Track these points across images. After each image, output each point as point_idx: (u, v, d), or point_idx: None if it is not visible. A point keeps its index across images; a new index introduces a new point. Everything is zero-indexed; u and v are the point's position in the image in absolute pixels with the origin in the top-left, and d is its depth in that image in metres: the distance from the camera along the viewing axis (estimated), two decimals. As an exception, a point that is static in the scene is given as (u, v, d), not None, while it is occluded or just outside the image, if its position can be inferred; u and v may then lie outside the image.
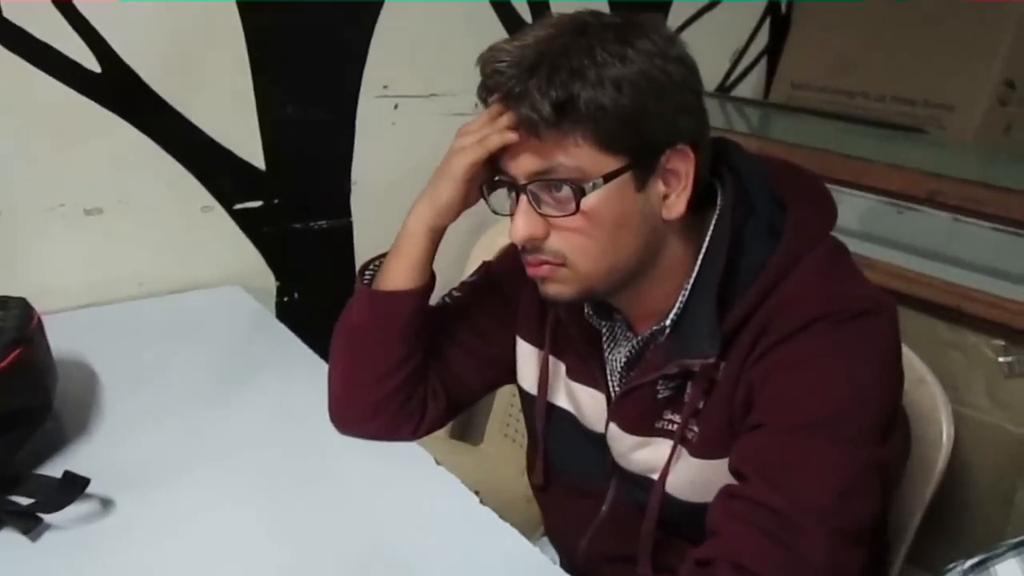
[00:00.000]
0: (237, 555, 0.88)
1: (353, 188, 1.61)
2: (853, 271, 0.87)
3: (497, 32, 1.63)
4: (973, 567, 0.67)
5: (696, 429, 0.88)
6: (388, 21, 1.56)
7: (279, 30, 1.45)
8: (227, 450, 1.05)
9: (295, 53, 1.49)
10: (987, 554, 0.67)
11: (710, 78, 2.14)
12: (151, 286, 1.47)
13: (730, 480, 0.81)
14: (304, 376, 1.18)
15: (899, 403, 0.87)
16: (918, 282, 1.27)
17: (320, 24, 1.49)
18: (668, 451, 0.90)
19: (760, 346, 0.82)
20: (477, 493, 1.23)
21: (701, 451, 0.87)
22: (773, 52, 2.19)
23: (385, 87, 1.60)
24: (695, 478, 0.87)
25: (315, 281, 1.62)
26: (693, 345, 0.85)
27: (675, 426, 0.89)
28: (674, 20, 1.99)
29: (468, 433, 1.82)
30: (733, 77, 2.17)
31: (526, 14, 1.71)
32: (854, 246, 1.38)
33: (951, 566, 0.69)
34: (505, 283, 1.04)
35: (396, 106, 1.62)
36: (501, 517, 0.96)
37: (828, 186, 0.97)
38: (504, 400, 1.70)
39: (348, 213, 1.62)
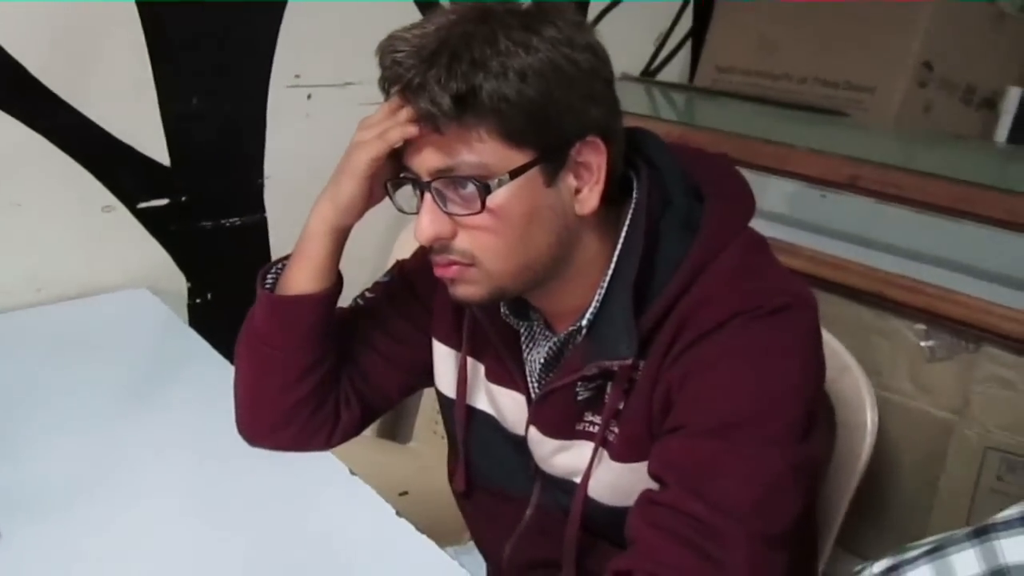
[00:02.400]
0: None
1: (266, 183, 1.55)
2: (772, 264, 0.85)
3: (413, 16, 1.58)
4: (885, 572, 0.65)
5: (617, 431, 0.85)
6: (298, 6, 1.49)
7: (180, 17, 1.37)
8: (133, 469, 0.99)
9: (198, 42, 1.41)
10: (898, 558, 0.65)
11: (635, 62, 2.12)
12: (50, 292, 1.38)
13: (651, 484, 0.78)
14: (216, 385, 1.10)
15: (821, 396, 0.85)
16: (841, 268, 1.26)
17: (225, 10, 1.41)
18: (589, 454, 0.87)
19: (678, 345, 0.79)
20: (406, 493, 1.19)
21: (622, 454, 0.84)
22: (697, 35, 2.18)
23: (297, 76, 1.53)
24: (616, 482, 0.85)
25: (228, 282, 1.55)
26: (610, 346, 0.82)
27: (596, 428, 0.87)
28: (597, 4, 1.96)
29: (396, 432, 1.78)
30: (658, 61, 2.15)
31: (444, -2, 1.66)
32: (779, 232, 1.38)
33: (859, 568, 0.67)
34: (419, 283, 1.00)
35: (309, 96, 1.55)
36: (429, 516, 0.93)
37: (752, 172, 0.95)
38: (432, 397, 1.65)
39: (262, 209, 1.56)
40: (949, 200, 1.18)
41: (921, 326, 1.21)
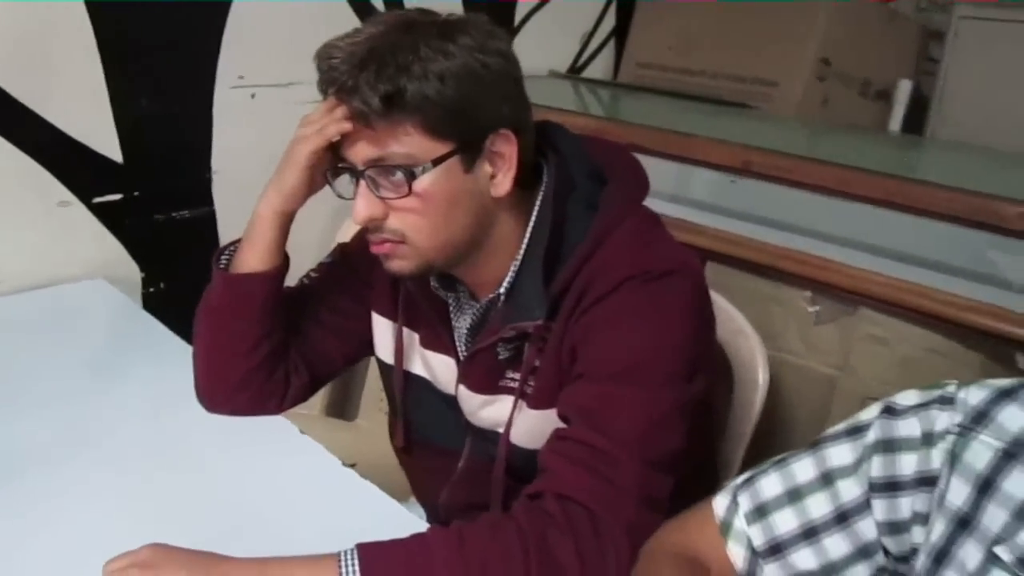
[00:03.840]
0: (111, 547, 0.83)
1: (214, 177, 1.65)
2: (661, 237, 0.99)
3: (350, 20, 1.69)
4: (744, 483, 0.79)
5: (533, 384, 0.98)
6: (241, 11, 1.59)
7: (129, 22, 1.47)
8: (100, 439, 1.07)
9: (147, 45, 1.51)
10: (755, 471, 0.79)
11: (562, 60, 2.26)
12: (9, 283, 1.47)
13: (560, 425, 0.91)
14: (174, 363, 1.20)
15: (707, 348, 0.98)
16: (741, 244, 1.41)
17: (171, 15, 1.51)
18: (511, 406, 1.00)
19: (580, 307, 0.92)
20: (354, 465, 1.30)
21: (538, 403, 0.97)
22: (620, 34, 2.32)
23: (241, 77, 1.63)
24: (533, 428, 0.97)
25: (181, 271, 1.64)
26: (525, 310, 0.95)
27: (515, 383, 0.99)
28: (525, 4, 2.08)
29: (344, 410, 1.88)
30: (584, 59, 2.29)
31: (379, 2, 1.77)
32: (690, 215, 1.53)
33: (726, 484, 0.81)
34: (358, 262, 1.11)
35: (253, 96, 1.66)
36: (376, 483, 1.02)
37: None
38: (377, 374, 1.77)
39: (211, 202, 1.65)
40: (832, 182, 1.33)
41: (808, 293, 1.36)
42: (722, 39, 2.11)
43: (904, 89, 2.12)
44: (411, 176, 0.88)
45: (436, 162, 0.89)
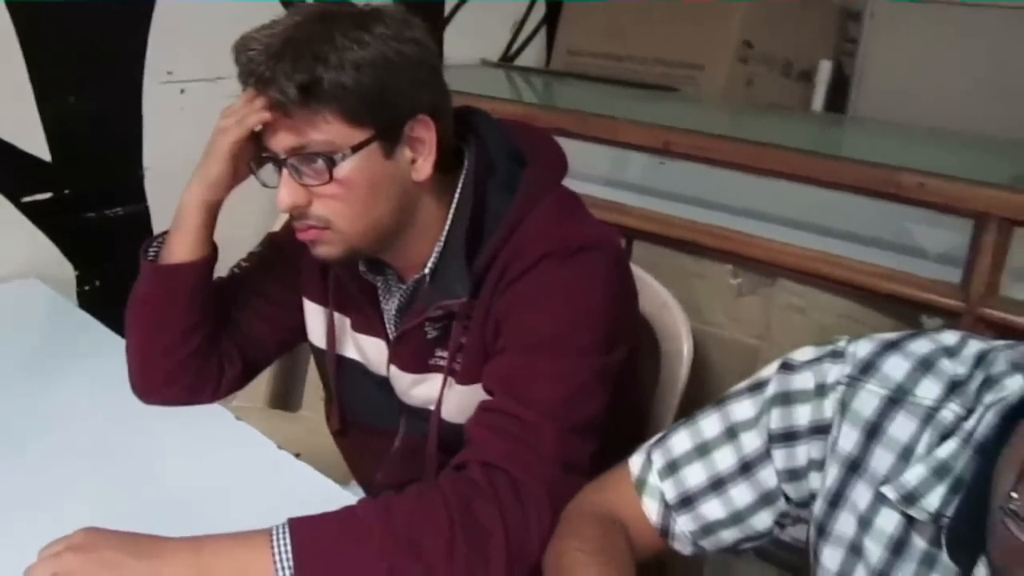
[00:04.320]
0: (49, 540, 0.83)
1: (146, 174, 1.65)
2: (579, 214, 1.03)
3: (278, 12, 1.70)
4: (656, 441, 0.84)
5: (461, 361, 1.01)
6: (167, 6, 1.59)
7: (51, 20, 1.46)
8: (38, 440, 1.07)
9: (72, 43, 1.50)
10: (667, 430, 0.84)
11: (494, 49, 2.29)
12: (-58, 285, 1.46)
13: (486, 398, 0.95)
14: (112, 359, 1.18)
15: (627, 320, 1.02)
16: (664, 223, 1.46)
17: (96, 12, 1.51)
18: (441, 384, 1.03)
19: (502, 284, 0.96)
20: (298, 455, 1.32)
21: (466, 379, 1.00)
22: (551, 22, 2.36)
23: (169, 73, 1.64)
24: (462, 403, 1.01)
25: (115, 268, 1.64)
26: (449, 289, 0.99)
27: (444, 361, 1.03)
28: (455, -6, 2.11)
29: (287, 401, 1.90)
30: (515, 48, 2.32)
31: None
32: (621, 196, 1.57)
33: (640, 446, 0.85)
34: (287, 250, 1.13)
35: (183, 91, 1.66)
36: (321, 471, 1.03)
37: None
38: (318, 366, 1.79)
39: (144, 199, 1.66)
40: (747, 159, 1.38)
41: (730, 267, 1.42)
42: (649, 25, 2.16)
43: (824, 69, 2.19)
44: (331, 163, 0.91)
45: (355, 149, 0.91)
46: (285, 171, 0.93)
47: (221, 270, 1.14)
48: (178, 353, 1.07)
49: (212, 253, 1.07)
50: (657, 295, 1.31)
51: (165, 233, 1.07)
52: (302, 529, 0.80)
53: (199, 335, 1.08)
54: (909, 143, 1.74)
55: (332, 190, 0.93)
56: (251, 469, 1.05)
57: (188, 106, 1.67)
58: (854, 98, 2.26)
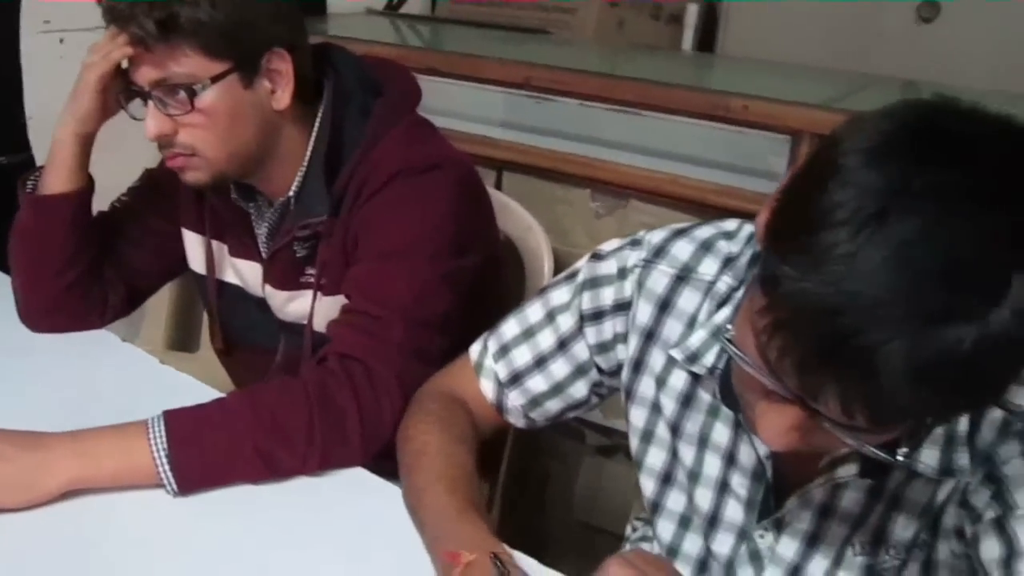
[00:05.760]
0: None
1: (29, 123, 1.68)
2: (429, 138, 1.13)
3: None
4: (492, 330, 0.96)
5: (327, 276, 1.11)
6: (40, -44, 1.62)
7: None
8: None
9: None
10: (501, 320, 0.96)
11: (378, -2, 2.35)
12: None
13: (349, 305, 1.05)
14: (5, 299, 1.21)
15: (479, 232, 1.13)
16: (529, 153, 1.57)
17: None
18: (311, 298, 1.13)
19: (358, 202, 1.06)
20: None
21: (331, 291, 1.10)
22: (436, -30, 2.43)
23: (47, 22, 1.67)
24: (329, 313, 1.10)
25: (2, 215, 1.67)
26: (311, 209, 1.08)
27: (313, 278, 1.12)
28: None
29: (186, 343, 1.97)
30: (399, -5, 2.39)
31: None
32: (493, 132, 1.67)
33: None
34: (164, 182, 1.21)
35: (62, 40, 1.69)
36: None
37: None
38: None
39: (28, 148, 1.69)
40: (598, 90, 1.50)
41: (589, 191, 1.54)
42: (526, -30, 2.25)
43: (692, 12, 2.32)
44: (192, 94, 0.99)
45: (215, 80, 0.99)
46: (151, 103, 1.01)
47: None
48: (61, 282, 1.14)
49: (88, 185, 1.14)
50: (522, 219, 1.42)
51: (42, 167, 1.13)
52: (175, 418, 0.90)
53: (81, 264, 1.15)
54: (751, 74, 1.89)
55: (195, 119, 1.01)
56: (135, 386, 1.12)
57: (68, 55, 1.69)
58: (722, 38, 2.41)
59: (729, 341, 0.64)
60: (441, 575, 0.77)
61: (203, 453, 0.89)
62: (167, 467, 0.87)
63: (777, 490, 0.82)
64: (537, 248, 1.42)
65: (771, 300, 0.57)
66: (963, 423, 0.71)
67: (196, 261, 1.23)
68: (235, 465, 0.90)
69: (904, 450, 0.62)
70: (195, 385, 1.10)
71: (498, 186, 1.64)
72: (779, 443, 0.63)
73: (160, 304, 1.97)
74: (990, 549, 0.68)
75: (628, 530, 1.12)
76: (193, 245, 1.22)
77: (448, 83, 1.61)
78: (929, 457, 0.71)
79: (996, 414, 0.70)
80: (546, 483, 1.73)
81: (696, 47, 2.40)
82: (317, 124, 1.10)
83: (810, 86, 1.67)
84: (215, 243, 1.21)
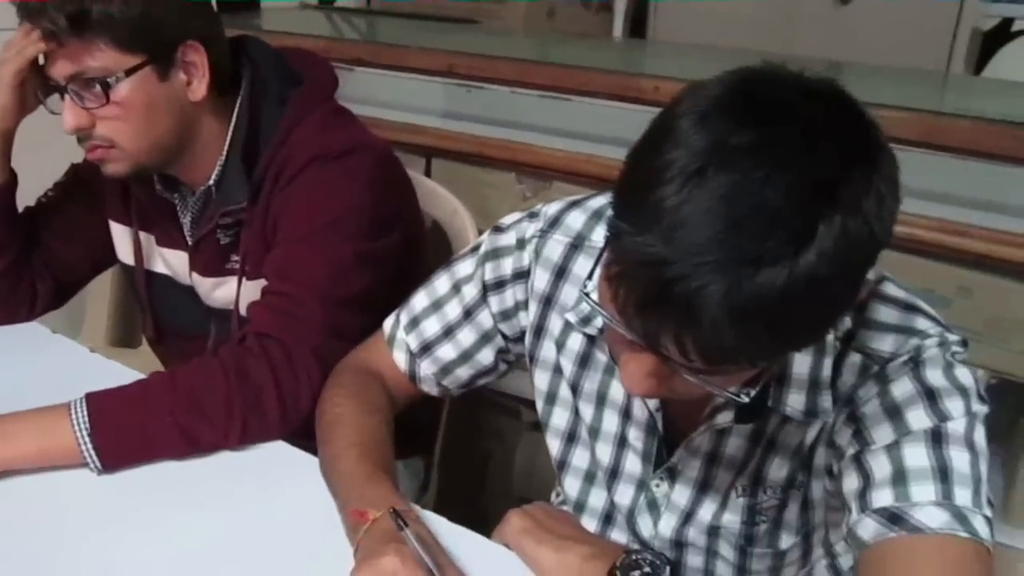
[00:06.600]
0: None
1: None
2: (345, 125, 1.17)
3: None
4: (404, 304, 1.00)
5: (250, 262, 1.15)
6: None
7: None
8: None
9: None
10: (411, 295, 1.00)
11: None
12: None
13: (272, 288, 1.09)
14: None
15: (398, 214, 1.17)
16: (454, 139, 1.62)
17: None
18: (236, 284, 1.16)
19: (277, 188, 1.10)
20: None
21: (255, 275, 1.14)
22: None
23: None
24: (255, 297, 1.14)
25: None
26: (232, 197, 1.12)
27: (238, 264, 1.16)
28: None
29: (128, 339, 1.99)
30: (335, -10, 2.42)
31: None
32: (424, 120, 1.71)
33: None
34: (89, 176, 1.23)
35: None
36: None
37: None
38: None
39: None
40: (518, 75, 1.55)
41: (514, 174, 1.59)
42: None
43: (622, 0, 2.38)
44: (107, 87, 1.02)
45: (129, 73, 1.02)
46: (67, 97, 1.04)
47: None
48: (-13, 275, 1.16)
49: (11, 180, 1.16)
50: (448, 203, 1.47)
51: (-38, 162, 1.16)
52: (96, 399, 0.93)
53: (7, 258, 1.17)
54: (672, 58, 1.95)
55: (111, 112, 1.04)
56: (69, 377, 1.15)
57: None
58: (652, 25, 2.47)
59: (587, 295, 0.69)
60: (350, 534, 0.81)
61: (124, 430, 0.92)
62: (90, 446, 0.91)
63: (670, 442, 0.87)
64: (463, 230, 1.46)
65: (613, 254, 0.62)
66: (827, 368, 0.77)
67: (124, 252, 1.26)
68: (157, 441, 0.93)
69: (748, 391, 0.67)
70: (126, 372, 1.12)
71: (428, 172, 1.68)
72: (640, 389, 0.68)
73: (101, 301, 1.99)
74: (850, 482, 0.74)
75: (553, 496, 1.18)
76: (120, 237, 1.25)
77: (385, 75, 1.65)
78: (796, 401, 0.77)
79: (855, 359, 0.76)
80: (486, 462, 1.78)
81: (628, 34, 2.46)
82: (235, 114, 1.13)
83: (725, 67, 1.73)
84: (142, 234, 1.24)
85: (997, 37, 2.58)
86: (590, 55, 1.96)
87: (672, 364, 0.64)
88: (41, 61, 1.06)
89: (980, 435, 0.72)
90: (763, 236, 0.56)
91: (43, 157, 1.22)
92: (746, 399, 0.67)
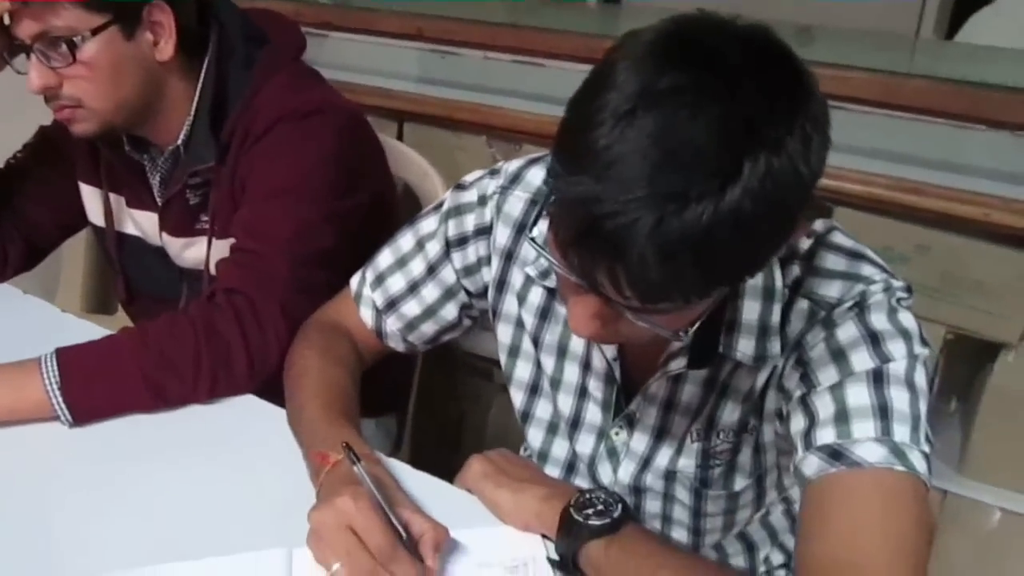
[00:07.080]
0: None
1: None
2: (312, 85, 1.18)
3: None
4: (370, 261, 1.02)
5: (219, 221, 1.16)
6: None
7: None
8: None
9: None
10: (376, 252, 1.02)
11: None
12: None
13: (240, 247, 1.10)
14: None
15: (363, 175, 1.18)
16: (422, 103, 1.63)
17: None
18: (206, 244, 1.18)
19: (244, 148, 1.11)
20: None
21: (224, 235, 1.15)
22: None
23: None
24: (224, 255, 1.15)
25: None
26: (200, 157, 1.13)
27: (207, 224, 1.17)
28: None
29: (104, 305, 2.00)
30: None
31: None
32: (396, 84, 1.71)
33: None
34: (58, 138, 1.24)
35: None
36: None
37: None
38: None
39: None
40: (485, 39, 1.56)
41: (484, 137, 1.61)
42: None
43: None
44: (73, 46, 1.02)
45: (95, 32, 1.03)
46: (33, 56, 1.04)
47: None
48: (-46, 237, 1.17)
49: (-22, 141, 1.17)
50: (419, 166, 1.48)
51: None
52: (67, 354, 0.95)
53: (-25, 221, 1.18)
54: (640, 20, 1.96)
55: (78, 71, 1.04)
56: (42, 339, 1.16)
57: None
58: (629, -10, 2.47)
59: (533, 240, 0.72)
60: (312, 477, 0.83)
61: (94, 384, 0.94)
62: (60, 400, 0.92)
63: (628, 391, 0.90)
64: (433, 192, 1.47)
65: (551, 195, 0.64)
66: (775, 314, 0.79)
67: (94, 214, 1.27)
68: (126, 395, 0.95)
69: (687, 329, 0.70)
70: (97, 331, 1.13)
71: (400, 136, 1.69)
72: (585, 331, 0.70)
73: (75, 268, 2.00)
74: (797, 423, 0.77)
75: (521, 450, 1.20)
76: (91, 198, 1.26)
77: (356, 40, 1.65)
78: (746, 347, 0.80)
79: (803, 305, 0.79)
80: (458, 421, 1.81)
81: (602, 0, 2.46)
82: (203, 74, 1.14)
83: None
84: (112, 195, 1.25)
85: (970, 2, 2.60)
86: (562, 19, 1.97)
87: (614, 304, 0.66)
88: (7, 21, 1.07)
89: (921, 376, 0.75)
90: (689, 173, 0.58)
91: (11, 123, 1.23)
92: (685, 338, 0.70)
